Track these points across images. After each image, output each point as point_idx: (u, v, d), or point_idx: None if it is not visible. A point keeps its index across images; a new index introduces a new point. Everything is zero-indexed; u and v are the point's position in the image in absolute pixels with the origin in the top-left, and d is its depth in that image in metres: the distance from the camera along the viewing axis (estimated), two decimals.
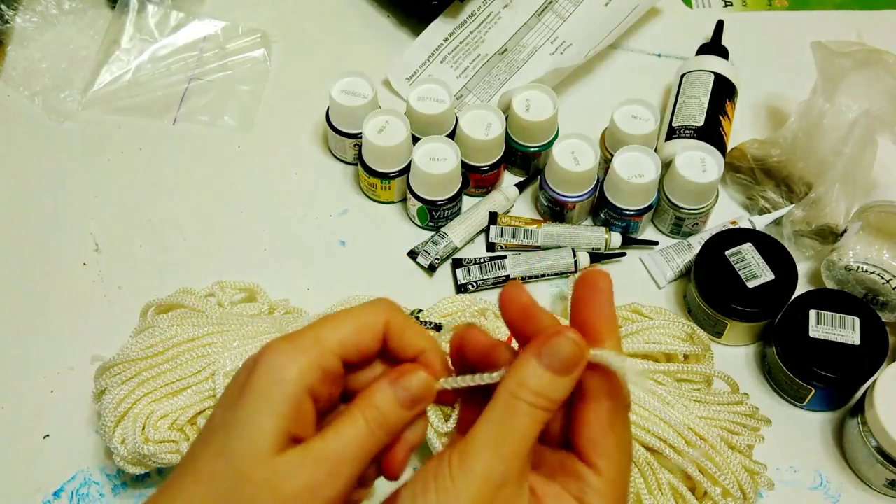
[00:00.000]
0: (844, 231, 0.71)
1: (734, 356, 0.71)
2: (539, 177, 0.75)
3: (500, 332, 0.63)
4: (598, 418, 0.37)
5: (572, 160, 0.72)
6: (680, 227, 0.75)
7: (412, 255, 0.75)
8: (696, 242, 0.74)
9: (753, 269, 0.68)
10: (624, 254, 0.75)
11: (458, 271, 0.73)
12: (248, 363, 0.38)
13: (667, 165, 0.74)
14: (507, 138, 0.76)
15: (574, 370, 0.36)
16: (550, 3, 0.84)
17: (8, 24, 0.86)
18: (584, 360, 0.36)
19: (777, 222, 0.75)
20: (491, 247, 0.75)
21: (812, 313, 0.66)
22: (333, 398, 0.39)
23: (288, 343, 0.38)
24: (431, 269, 0.74)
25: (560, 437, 0.39)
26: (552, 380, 0.36)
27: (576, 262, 0.73)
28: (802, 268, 0.73)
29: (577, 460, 0.37)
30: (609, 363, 0.37)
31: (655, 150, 0.73)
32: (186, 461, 0.38)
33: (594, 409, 0.37)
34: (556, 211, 0.75)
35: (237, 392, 0.37)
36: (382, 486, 0.40)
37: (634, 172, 0.71)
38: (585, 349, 0.36)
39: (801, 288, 0.71)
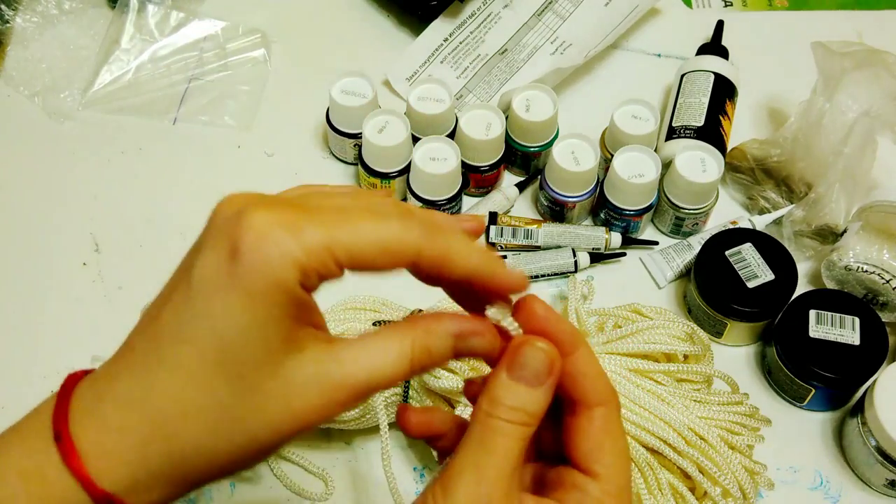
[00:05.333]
0: (844, 231, 0.71)
1: (734, 356, 0.71)
2: (539, 177, 0.75)
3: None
4: (592, 426, 0.36)
5: (572, 160, 0.72)
6: (680, 227, 0.75)
7: None
8: (696, 242, 0.74)
9: (753, 269, 0.68)
10: (624, 254, 0.75)
11: None
12: (224, 235, 0.34)
13: (667, 165, 0.74)
14: (507, 138, 0.76)
15: (548, 379, 0.35)
16: (550, 3, 0.84)
17: (8, 24, 0.86)
18: (558, 368, 0.35)
19: (777, 222, 0.75)
20: (491, 247, 0.75)
21: (812, 313, 0.66)
22: None
23: (287, 232, 0.32)
24: None
25: (556, 452, 0.38)
26: (527, 393, 0.35)
27: (576, 262, 0.73)
28: (802, 268, 0.73)
29: (575, 472, 0.36)
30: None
31: (655, 150, 0.73)
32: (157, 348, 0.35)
33: (587, 416, 0.36)
34: (556, 211, 0.75)
35: (222, 279, 0.32)
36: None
37: (634, 172, 0.71)
38: (557, 356, 0.35)
39: (801, 288, 0.71)
